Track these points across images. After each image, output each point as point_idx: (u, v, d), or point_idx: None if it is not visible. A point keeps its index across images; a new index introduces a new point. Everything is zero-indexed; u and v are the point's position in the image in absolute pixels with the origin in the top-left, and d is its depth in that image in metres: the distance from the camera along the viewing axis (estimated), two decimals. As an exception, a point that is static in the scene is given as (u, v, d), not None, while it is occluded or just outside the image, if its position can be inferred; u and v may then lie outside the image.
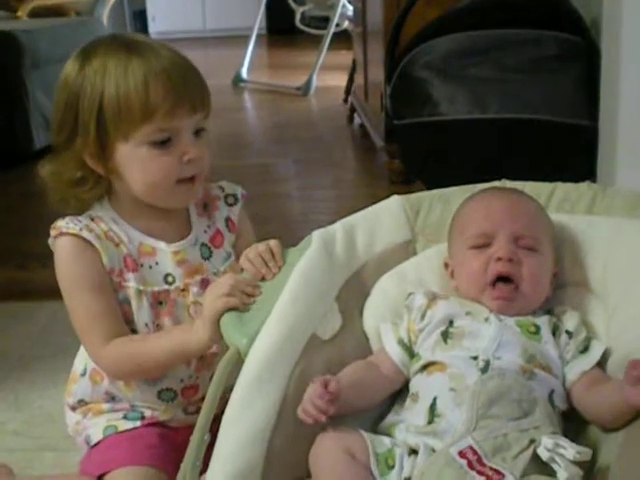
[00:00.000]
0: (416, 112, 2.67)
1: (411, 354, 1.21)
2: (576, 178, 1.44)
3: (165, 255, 1.36)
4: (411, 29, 2.81)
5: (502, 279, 1.20)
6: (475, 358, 1.13)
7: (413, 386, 1.18)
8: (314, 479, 1.06)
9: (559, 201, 1.37)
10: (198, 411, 1.36)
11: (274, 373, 1.11)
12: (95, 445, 1.38)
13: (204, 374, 1.39)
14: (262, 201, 3.16)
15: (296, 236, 1.38)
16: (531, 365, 1.13)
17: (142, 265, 1.34)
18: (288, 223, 2.98)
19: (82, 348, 1.42)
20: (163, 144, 1.27)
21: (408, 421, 1.12)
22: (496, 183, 1.39)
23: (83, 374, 1.42)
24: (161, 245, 1.36)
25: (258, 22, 6.46)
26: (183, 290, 1.36)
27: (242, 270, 1.30)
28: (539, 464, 0.99)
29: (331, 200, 3.40)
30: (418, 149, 2.80)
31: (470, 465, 0.98)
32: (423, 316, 1.22)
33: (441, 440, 1.05)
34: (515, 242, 1.22)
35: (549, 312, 1.22)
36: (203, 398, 1.35)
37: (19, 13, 5.52)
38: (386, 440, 1.08)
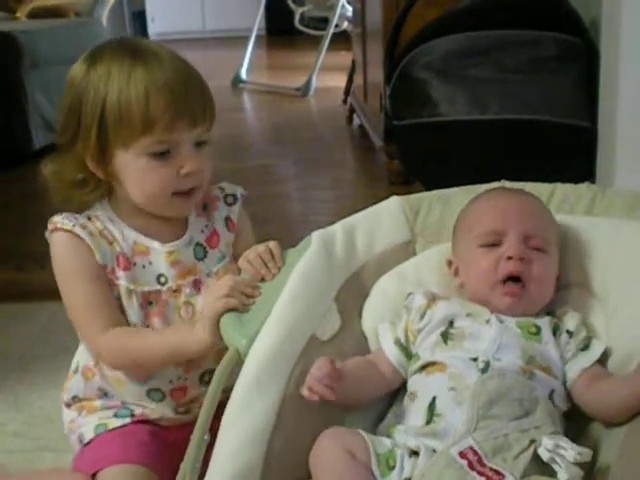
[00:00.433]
0: (415, 113, 2.67)
1: (408, 355, 1.21)
2: (575, 179, 1.44)
3: (159, 255, 1.36)
4: (410, 30, 2.81)
5: (512, 279, 1.20)
6: (475, 359, 1.13)
7: (411, 385, 1.18)
8: (314, 479, 1.06)
9: (559, 202, 1.37)
10: (187, 412, 1.39)
11: (273, 374, 1.11)
12: (88, 443, 1.39)
13: (192, 375, 1.39)
14: (262, 202, 3.16)
15: (296, 237, 1.38)
16: (531, 366, 1.13)
17: (135, 264, 1.35)
18: (288, 224, 2.98)
19: (80, 346, 1.43)
20: (162, 156, 1.28)
21: (406, 422, 1.12)
22: (496, 184, 1.39)
23: (75, 371, 1.43)
24: (155, 245, 1.37)
25: (257, 23, 6.47)
26: (175, 291, 1.37)
27: (240, 271, 1.31)
28: (539, 465, 0.99)
29: (330, 201, 3.40)
30: (417, 150, 2.80)
31: (470, 466, 0.98)
32: (422, 316, 1.22)
33: (441, 441, 1.05)
34: (525, 242, 1.22)
35: (550, 313, 1.23)
36: (192, 400, 1.39)
37: (18, 14, 5.52)
38: (386, 441, 1.08)
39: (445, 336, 1.19)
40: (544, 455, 0.99)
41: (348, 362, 1.19)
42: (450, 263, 1.31)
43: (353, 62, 4.69)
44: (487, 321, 1.19)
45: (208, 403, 1.10)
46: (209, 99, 1.32)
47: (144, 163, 1.28)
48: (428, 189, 1.46)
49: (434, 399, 1.10)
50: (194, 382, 1.39)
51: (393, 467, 1.04)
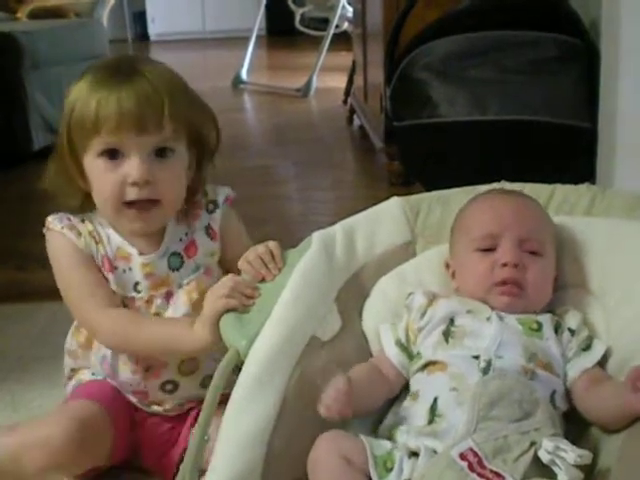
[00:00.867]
0: (416, 114, 2.67)
1: (409, 355, 1.21)
2: (575, 179, 1.44)
3: (137, 263, 1.40)
4: (411, 31, 2.81)
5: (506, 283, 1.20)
6: (476, 357, 1.13)
7: (413, 385, 1.18)
8: (312, 484, 1.06)
9: (558, 203, 1.37)
10: (151, 404, 1.45)
11: (274, 375, 1.11)
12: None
13: (153, 383, 1.43)
14: (261, 202, 3.16)
15: (295, 237, 1.38)
16: (532, 364, 1.13)
17: (117, 268, 1.40)
18: (287, 224, 2.97)
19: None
20: (113, 160, 1.31)
21: (408, 421, 1.12)
22: (495, 185, 1.39)
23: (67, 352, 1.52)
24: (134, 252, 1.40)
25: (258, 23, 6.46)
26: (147, 301, 1.40)
27: (240, 272, 1.31)
28: (540, 467, 0.99)
29: (330, 201, 3.39)
30: (418, 151, 2.80)
31: (471, 467, 0.98)
32: (423, 315, 1.22)
33: (441, 441, 1.05)
34: (520, 245, 1.22)
35: (551, 312, 1.23)
36: (154, 402, 1.45)
37: (18, 14, 5.53)
38: (385, 443, 1.08)
39: (446, 334, 1.19)
40: (544, 457, 0.99)
41: (353, 372, 1.18)
42: (448, 266, 1.31)
43: (353, 63, 4.68)
44: (488, 318, 1.19)
45: (208, 403, 1.10)
46: (178, 107, 1.32)
47: (98, 165, 1.32)
48: (428, 190, 1.46)
49: (435, 400, 1.10)
50: (154, 389, 1.43)
51: (391, 469, 1.04)
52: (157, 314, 1.40)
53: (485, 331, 1.17)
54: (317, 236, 1.32)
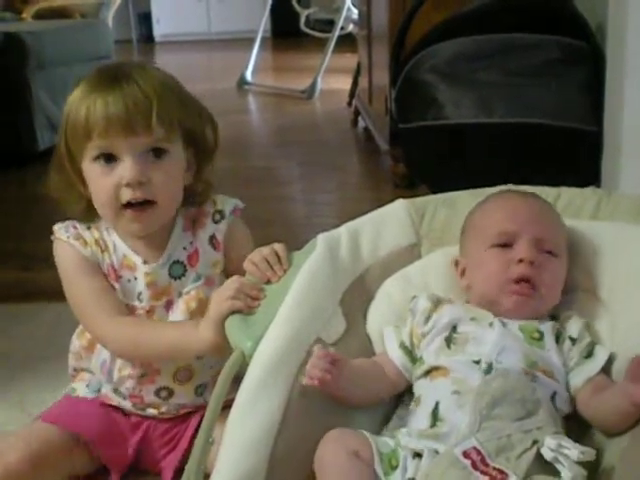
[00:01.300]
0: (421, 116, 2.67)
1: (413, 358, 1.22)
2: (580, 182, 1.44)
3: (141, 273, 1.41)
4: (416, 33, 2.81)
5: (522, 280, 1.20)
6: (477, 362, 1.13)
7: (416, 390, 1.19)
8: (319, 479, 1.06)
9: (564, 206, 1.37)
10: (147, 407, 1.46)
11: (278, 377, 1.12)
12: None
13: (148, 388, 1.45)
14: (265, 204, 3.16)
15: (300, 239, 1.38)
16: (533, 369, 1.13)
17: (122, 277, 1.41)
18: (292, 226, 2.97)
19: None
20: (108, 163, 1.33)
21: (410, 425, 1.12)
22: (502, 187, 1.39)
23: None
24: (139, 262, 1.41)
25: (263, 25, 6.47)
26: (148, 311, 1.41)
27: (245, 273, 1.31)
28: (543, 464, 0.99)
29: (335, 203, 3.39)
30: (423, 153, 2.80)
31: (474, 465, 0.98)
32: (427, 319, 1.22)
33: (444, 443, 1.05)
34: (536, 245, 1.22)
35: (554, 318, 1.23)
36: (150, 405, 1.46)
37: (24, 15, 5.54)
38: (390, 441, 1.08)
39: (449, 341, 1.19)
40: (547, 454, 1.00)
41: (354, 360, 1.20)
42: (457, 263, 1.30)
43: (358, 65, 4.69)
44: (490, 324, 1.19)
45: (213, 405, 1.11)
46: (168, 108, 1.33)
47: (94, 170, 1.34)
48: (433, 192, 1.46)
49: (437, 404, 1.10)
50: (149, 394, 1.45)
51: (396, 466, 1.04)
52: None
53: (487, 337, 1.17)
54: (322, 238, 1.32)
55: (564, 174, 2.41)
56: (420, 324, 1.23)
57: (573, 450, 0.99)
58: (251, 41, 6.38)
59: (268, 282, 1.28)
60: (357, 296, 1.31)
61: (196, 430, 1.41)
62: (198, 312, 1.37)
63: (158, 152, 1.34)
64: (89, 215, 1.41)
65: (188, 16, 9.85)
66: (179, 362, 1.43)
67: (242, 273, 1.30)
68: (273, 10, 7.09)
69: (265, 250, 1.32)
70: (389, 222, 1.38)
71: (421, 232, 1.38)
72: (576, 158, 2.52)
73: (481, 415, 1.05)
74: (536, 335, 1.18)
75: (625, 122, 2.25)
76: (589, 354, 1.18)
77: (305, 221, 3.09)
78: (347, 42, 6.09)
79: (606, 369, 1.17)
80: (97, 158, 1.33)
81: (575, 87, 2.56)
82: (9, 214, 3.23)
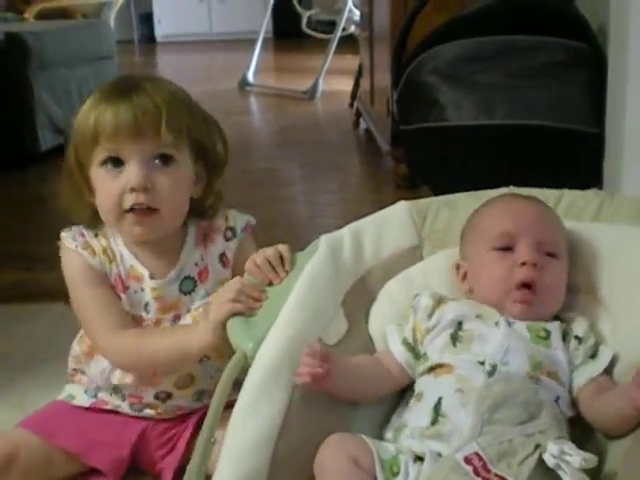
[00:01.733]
0: (423, 117, 2.67)
1: (416, 354, 1.22)
2: (582, 184, 1.44)
3: (147, 285, 1.40)
4: (418, 34, 2.80)
5: (525, 285, 1.20)
6: (482, 363, 1.13)
7: (418, 386, 1.18)
8: (319, 487, 1.06)
9: (566, 208, 1.37)
10: (144, 407, 1.46)
11: (280, 378, 1.12)
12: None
13: (148, 390, 1.45)
14: (267, 205, 3.16)
15: (302, 240, 1.38)
16: (537, 372, 1.13)
17: (129, 288, 1.40)
18: (294, 227, 2.97)
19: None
20: (115, 168, 1.32)
21: (412, 423, 1.12)
22: (503, 189, 1.39)
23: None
24: (146, 274, 1.41)
25: (265, 26, 6.47)
26: (155, 323, 1.41)
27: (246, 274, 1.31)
28: (545, 470, 0.99)
29: (337, 204, 3.39)
30: (424, 154, 2.80)
31: (475, 472, 0.98)
32: (430, 316, 1.22)
33: (446, 443, 1.05)
34: (537, 247, 1.22)
35: (558, 318, 1.23)
36: (147, 405, 1.46)
37: (26, 15, 5.55)
38: (390, 447, 1.08)
39: (454, 338, 1.19)
40: (549, 461, 0.99)
41: (355, 357, 1.20)
42: (458, 267, 1.31)
43: (360, 66, 4.68)
44: (496, 323, 1.19)
45: (214, 406, 1.10)
46: (177, 116, 1.33)
47: (101, 174, 1.34)
48: (435, 194, 1.46)
49: (440, 400, 1.10)
50: (149, 395, 1.45)
51: (397, 473, 1.04)
52: None
53: (492, 337, 1.17)
54: (324, 239, 1.32)
55: (565, 176, 2.41)
56: (424, 320, 1.23)
57: (575, 457, 0.98)
58: (253, 42, 6.37)
59: (270, 284, 1.28)
60: (359, 297, 1.31)
61: (195, 431, 1.42)
62: None
63: (165, 159, 1.33)
64: (95, 223, 1.41)
65: (190, 17, 9.84)
66: (181, 371, 1.43)
67: None
68: (275, 11, 7.09)
69: (269, 251, 1.32)
70: (391, 224, 1.38)
71: (423, 234, 1.39)
72: (577, 160, 2.52)
73: (483, 419, 1.05)
74: (543, 334, 1.18)
75: (627, 124, 2.25)
76: (594, 354, 1.19)
77: (307, 222, 3.09)
78: (349, 43, 6.08)
79: (608, 370, 1.18)
80: (104, 163, 1.33)
81: (577, 89, 2.56)
82: (11, 215, 3.23)
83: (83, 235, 1.41)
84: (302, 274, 1.25)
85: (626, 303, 1.22)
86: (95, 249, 1.39)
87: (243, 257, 1.41)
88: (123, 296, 1.40)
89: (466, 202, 1.38)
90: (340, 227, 1.36)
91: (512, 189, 1.39)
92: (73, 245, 1.39)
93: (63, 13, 5.55)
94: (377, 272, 1.33)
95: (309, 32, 6.72)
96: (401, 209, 1.40)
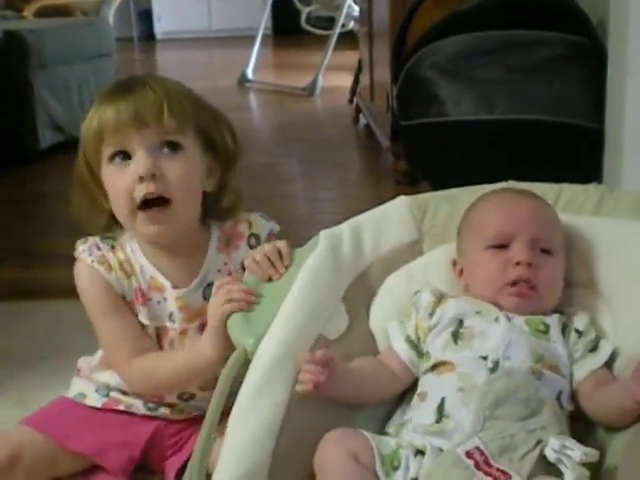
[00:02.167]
0: (422, 113, 2.67)
1: (419, 352, 1.22)
2: (582, 179, 1.44)
3: (170, 295, 1.39)
4: (417, 29, 2.80)
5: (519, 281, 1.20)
6: (484, 358, 1.13)
7: (422, 385, 1.18)
8: (319, 481, 1.06)
9: (566, 202, 1.37)
10: (160, 406, 1.46)
11: (281, 374, 1.12)
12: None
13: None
14: (267, 201, 3.13)
15: (301, 236, 1.38)
16: (539, 365, 1.13)
17: (151, 299, 1.39)
18: (293, 223, 2.96)
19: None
20: (123, 162, 1.32)
21: (415, 420, 1.12)
22: (503, 184, 1.39)
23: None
24: (167, 284, 1.39)
25: (264, 22, 6.46)
26: (181, 333, 1.41)
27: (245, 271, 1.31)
28: (546, 465, 0.99)
29: (336, 200, 3.39)
30: (424, 149, 2.79)
31: (477, 466, 0.98)
32: (431, 314, 1.22)
33: (448, 440, 1.05)
34: (532, 245, 1.22)
35: (559, 312, 1.22)
36: (165, 404, 1.46)
37: (25, 13, 5.54)
38: (391, 441, 1.08)
39: (455, 336, 1.19)
40: (550, 456, 0.99)
41: (357, 359, 1.20)
42: (455, 264, 1.30)
43: (359, 62, 4.68)
44: (496, 319, 1.19)
45: (215, 402, 1.11)
46: (180, 105, 1.33)
47: (110, 171, 1.33)
48: (435, 189, 1.46)
49: (443, 400, 1.10)
50: (172, 396, 1.45)
51: (397, 467, 1.04)
52: None
53: (493, 332, 1.17)
54: (324, 235, 1.32)
55: (565, 171, 2.40)
56: (425, 318, 1.23)
57: (576, 451, 0.98)
58: (252, 39, 6.36)
59: (270, 280, 1.28)
60: (359, 293, 1.31)
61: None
62: None
63: (172, 146, 1.32)
64: (111, 229, 1.41)
65: (189, 14, 9.82)
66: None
67: None
68: (274, 7, 7.08)
69: (267, 247, 1.32)
70: (391, 219, 1.38)
71: (423, 229, 1.38)
72: (577, 155, 2.52)
73: (484, 415, 1.05)
74: (542, 327, 1.18)
75: (627, 118, 2.25)
76: (594, 348, 1.19)
77: (307, 218, 3.09)
78: (348, 39, 6.07)
79: (609, 364, 1.18)
80: (112, 158, 1.32)
81: (576, 83, 2.55)
82: (10, 213, 3.22)
83: (99, 248, 1.39)
84: (302, 269, 1.25)
85: (627, 297, 1.22)
86: (111, 263, 1.38)
87: None
88: (143, 309, 1.39)
89: (466, 197, 1.38)
90: (340, 223, 1.36)
91: (511, 184, 1.39)
92: (89, 260, 1.37)
93: (62, 10, 5.53)
94: (377, 267, 1.33)
95: (308, 28, 6.72)
96: (401, 204, 1.40)
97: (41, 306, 2.22)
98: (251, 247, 1.43)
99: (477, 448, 1.00)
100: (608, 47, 2.42)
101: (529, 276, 1.20)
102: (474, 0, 2.74)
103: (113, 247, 1.40)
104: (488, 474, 0.98)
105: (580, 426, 1.13)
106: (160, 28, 9.96)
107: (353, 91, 4.90)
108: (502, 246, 1.23)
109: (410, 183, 3.23)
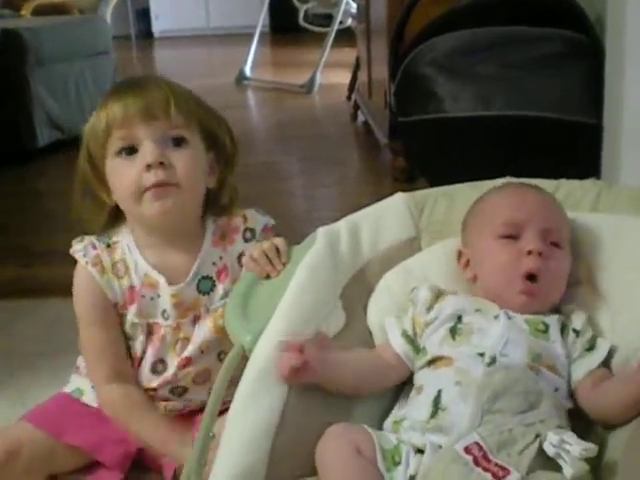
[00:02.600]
0: (420, 109, 2.67)
1: (416, 347, 1.21)
2: (580, 175, 1.44)
3: (165, 291, 1.41)
4: (415, 26, 2.81)
5: (530, 277, 1.20)
6: (482, 355, 1.13)
7: (418, 379, 1.18)
8: (321, 475, 1.05)
9: (564, 198, 1.36)
10: (155, 402, 1.46)
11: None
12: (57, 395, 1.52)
13: (164, 386, 1.46)
14: (265, 199, 3.15)
15: (299, 234, 1.38)
16: (537, 364, 1.13)
17: (144, 296, 1.41)
18: (291, 221, 2.97)
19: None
20: (129, 154, 1.34)
21: (412, 416, 1.12)
22: (501, 180, 1.39)
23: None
24: (162, 280, 1.41)
25: (262, 20, 6.46)
26: (175, 328, 1.42)
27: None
28: (545, 460, 0.99)
29: (335, 198, 3.39)
30: (422, 146, 2.80)
31: (476, 461, 0.98)
32: (429, 309, 1.22)
33: (446, 435, 1.05)
34: (543, 236, 1.22)
35: (557, 311, 1.22)
36: (160, 399, 1.45)
37: (23, 11, 5.54)
38: (392, 437, 1.08)
39: (453, 331, 1.18)
40: (549, 450, 0.99)
41: (354, 349, 1.21)
42: (460, 254, 1.30)
43: (357, 59, 4.68)
44: (496, 317, 1.19)
45: (213, 400, 1.10)
46: (186, 101, 1.37)
47: (117, 163, 1.35)
48: (433, 185, 1.46)
49: (439, 392, 1.10)
50: (164, 390, 1.45)
51: (398, 463, 1.04)
52: (185, 339, 1.42)
53: (492, 329, 1.17)
54: (322, 232, 1.32)
55: (564, 167, 2.41)
56: (422, 313, 1.22)
57: (575, 446, 0.98)
58: (250, 36, 6.36)
59: (268, 277, 1.28)
60: (357, 290, 1.30)
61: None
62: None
63: (178, 141, 1.35)
64: (110, 226, 1.43)
65: (187, 12, 9.81)
66: (198, 367, 1.43)
67: None
68: (271, 5, 7.08)
69: (265, 244, 1.32)
70: (388, 216, 1.37)
71: (421, 225, 1.38)
72: (576, 151, 2.52)
73: (483, 409, 1.05)
74: (541, 327, 1.18)
75: (625, 114, 2.25)
76: (591, 347, 1.18)
77: (305, 216, 3.09)
78: (346, 36, 6.07)
79: (606, 362, 1.17)
80: (119, 153, 1.34)
81: (574, 80, 2.56)
82: (9, 211, 3.22)
83: (95, 247, 1.41)
84: (300, 266, 1.25)
85: (625, 293, 1.22)
86: (105, 265, 1.40)
87: None
88: (133, 308, 1.40)
89: (464, 193, 1.38)
90: (338, 220, 1.36)
91: (509, 180, 1.39)
92: (84, 260, 1.40)
93: (60, 9, 5.53)
94: (375, 264, 1.33)
95: (306, 26, 6.72)
96: (398, 201, 1.39)
97: (41, 304, 2.22)
98: (246, 241, 1.45)
99: (476, 443, 1.00)
100: (606, 44, 2.42)
101: (540, 267, 1.19)
102: (472, -3, 2.75)
103: (109, 245, 1.42)
104: (487, 470, 0.97)
105: (579, 423, 1.13)
106: (158, 26, 9.95)
107: (351, 88, 4.90)
108: (512, 237, 1.23)
109: (408, 180, 3.23)
